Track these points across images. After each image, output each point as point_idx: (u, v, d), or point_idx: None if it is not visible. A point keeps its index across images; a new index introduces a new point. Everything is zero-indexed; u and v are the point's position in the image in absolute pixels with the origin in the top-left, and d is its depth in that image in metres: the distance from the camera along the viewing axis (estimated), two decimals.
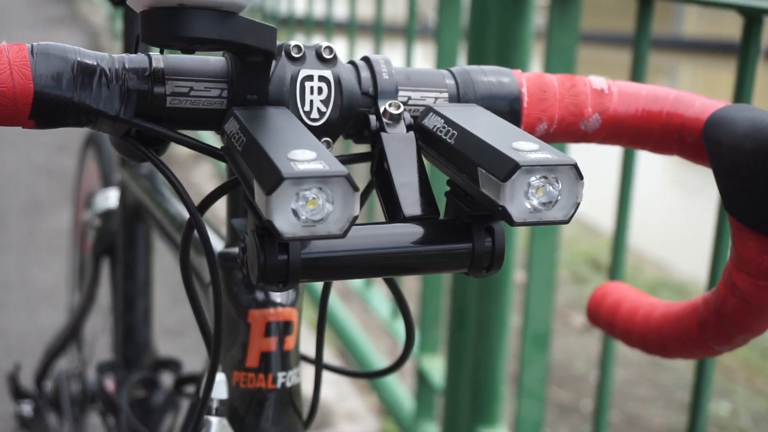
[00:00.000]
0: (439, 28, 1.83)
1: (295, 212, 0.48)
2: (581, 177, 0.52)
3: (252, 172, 0.50)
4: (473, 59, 1.61)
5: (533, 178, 0.52)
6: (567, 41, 1.41)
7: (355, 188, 0.48)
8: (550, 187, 0.52)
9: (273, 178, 0.47)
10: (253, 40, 0.55)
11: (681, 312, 0.72)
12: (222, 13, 0.52)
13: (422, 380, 1.96)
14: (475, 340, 1.67)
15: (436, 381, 1.90)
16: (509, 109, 0.66)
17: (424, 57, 3.79)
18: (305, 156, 0.49)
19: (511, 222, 0.52)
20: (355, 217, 0.49)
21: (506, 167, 0.51)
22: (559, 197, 0.52)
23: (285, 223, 0.48)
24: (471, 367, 1.69)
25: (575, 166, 0.52)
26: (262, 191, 0.48)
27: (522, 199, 0.52)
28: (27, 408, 1.59)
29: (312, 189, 0.48)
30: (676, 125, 0.67)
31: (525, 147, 0.53)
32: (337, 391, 2.37)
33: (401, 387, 2.17)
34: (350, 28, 2.43)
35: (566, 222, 0.53)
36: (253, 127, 0.54)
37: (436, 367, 1.93)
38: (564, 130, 0.68)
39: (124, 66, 0.58)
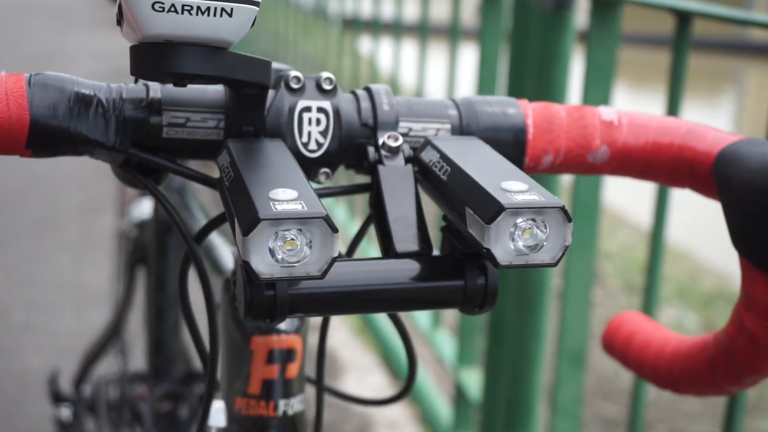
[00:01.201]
0: (481, 31, 1.82)
1: (272, 253, 0.48)
2: (569, 219, 0.51)
3: (234, 210, 0.50)
4: (513, 71, 1.60)
5: (520, 220, 0.51)
6: (606, 55, 1.39)
7: (334, 229, 0.48)
8: (537, 230, 0.51)
9: (250, 219, 0.47)
10: (244, 74, 0.54)
11: (692, 349, 0.70)
12: (211, 49, 0.52)
13: (460, 392, 1.95)
14: (511, 354, 1.65)
15: (473, 393, 1.88)
16: (514, 140, 0.65)
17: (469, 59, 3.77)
18: (286, 195, 0.49)
19: (496, 265, 0.51)
20: (335, 258, 0.49)
21: (491, 209, 0.50)
22: (546, 240, 0.51)
23: (262, 264, 0.48)
24: (507, 381, 1.68)
25: (563, 209, 0.51)
26: (240, 231, 0.48)
27: (507, 242, 0.51)
28: (66, 412, 1.61)
29: (291, 230, 0.48)
30: (687, 158, 0.66)
31: (514, 187, 0.52)
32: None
33: (440, 397, 2.16)
34: (421, 30, 2.42)
35: (554, 265, 0.52)
36: (242, 162, 0.54)
37: (474, 379, 1.92)
38: (571, 162, 0.67)
39: (121, 96, 0.59)
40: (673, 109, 1.23)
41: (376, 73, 2.52)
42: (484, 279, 0.56)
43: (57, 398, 1.63)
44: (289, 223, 0.47)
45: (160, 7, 0.49)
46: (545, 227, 0.51)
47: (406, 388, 0.72)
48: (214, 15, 0.50)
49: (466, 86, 2.11)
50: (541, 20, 1.49)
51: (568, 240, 0.51)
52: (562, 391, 1.55)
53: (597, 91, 1.40)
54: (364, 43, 2.98)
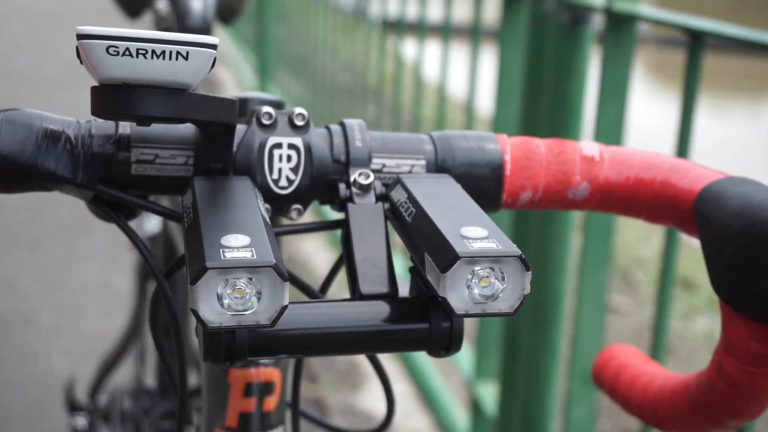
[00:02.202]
0: (501, 44, 1.80)
1: (221, 300, 0.47)
2: (528, 268, 0.50)
3: (187, 255, 0.50)
4: (529, 85, 1.59)
5: (477, 268, 0.50)
6: (620, 74, 1.37)
7: (284, 278, 0.47)
8: (494, 279, 0.50)
9: (198, 267, 0.47)
10: (207, 115, 0.54)
11: (675, 388, 0.69)
12: (169, 91, 0.51)
13: (476, 406, 1.93)
14: (526, 370, 1.64)
15: (489, 408, 1.87)
16: (491, 176, 0.64)
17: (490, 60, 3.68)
18: (238, 242, 0.48)
19: (452, 313, 0.50)
20: (285, 307, 0.48)
21: (447, 257, 0.49)
22: (503, 290, 0.50)
23: (210, 312, 0.47)
24: (522, 397, 1.66)
25: (520, 258, 0.50)
26: (188, 278, 0.47)
27: (463, 290, 0.50)
28: (81, 421, 1.63)
29: (241, 278, 0.47)
30: (668, 195, 0.64)
31: (473, 234, 0.51)
32: (402, 409, 2.36)
33: (459, 409, 2.14)
34: (473, 34, 2.40)
35: (512, 314, 0.51)
36: (203, 202, 0.54)
37: (490, 393, 1.90)
38: (550, 198, 0.65)
39: (90, 132, 0.59)
40: (685, 126, 1.21)
41: (419, 79, 2.44)
42: (449, 322, 0.55)
43: (73, 407, 1.65)
44: (238, 271, 0.47)
45: (114, 51, 0.49)
46: (503, 276, 0.50)
47: (384, 425, 0.71)
48: (170, 59, 0.49)
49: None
50: (558, 35, 1.47)
51: (527, 289, 0.50)
52: (575, 408, 1.53)
53: (611, 107, 1.38)
54: (408, 47, 2.85)
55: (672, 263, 1.27)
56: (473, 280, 0.50)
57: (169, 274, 0.61)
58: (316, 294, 0.63)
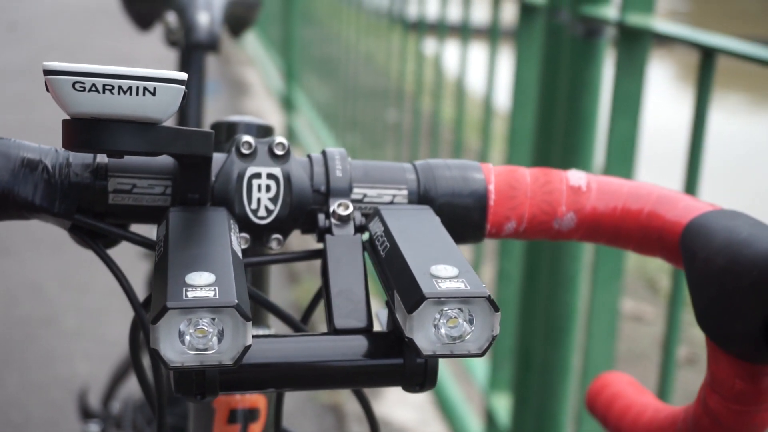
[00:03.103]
0: (517, 56, 1.79)
1: (182, 338, 0.47)
2: (496, 309, 0.49)
3: (153, 292, 0.49)
4: (544, 98, 1.57)
5: (445, 308, 0.49)
6: (633, 87, 1.35)
7: (246, 318, 0.47)
8: (462, 320, 0.49)
9: (159, 305, 0.46)
10: (180, 148, 0.53)
11: (664, 421, 0.68)
12: (139, 125, 0.51)
13: (490, 417, 1.92)
14: (539, 383, 1.63)
15: (502, 419, 1.86)
16: (474, 206, 0.63)
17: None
18: (202, 280, 0.48)
19: (419, 354, 0.49)
20: (247, 347, 0.48)
21: (413, 298, 0.49)
22: (472, 331, 0.49)
23: (171, 352, 0.47)
24: (535, 410, 1.65)
25: (488, 298, 0.49)
26: (150, 316, 0.47)
27: (430, 331, 0.49)
28: (94, 428, 1.64)
29: (204, 318, 0.47)
30: (656, 227, 0.63)
31: (443, 273, 0.50)
32: (419, 416, 2.35)
33: (474, 418, 2.13)
34: (492, 34, 2.39)
35: (480, 355, 0.50)
36: (174, 236, 0.53)
37: (504, 404, 1.89)
38: (535, 229, 0.65)
39: (68, 161, 0.59)
40: (696, 144, 1.20)
41: (440, 77, 2.43)
42: (423, 359, 0.55)
43: (86, 414, 1.66)
44: (200, 311, 0.47)
45: (80, 86, 0.48)
46: (470, 318, 0.49)
47: None
48: (137, 94, 0.49)
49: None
50: (572, 47, 1.46)
51: (496, 330, 0.50)
52: (587, 423, 1.52)
53: (624, 122, 1.37)
54: (429, 46, 2.83)
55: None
56: (441, 320, 0.49)
57: (147, 303, 0.60)
58: (297, 325, 0.63)
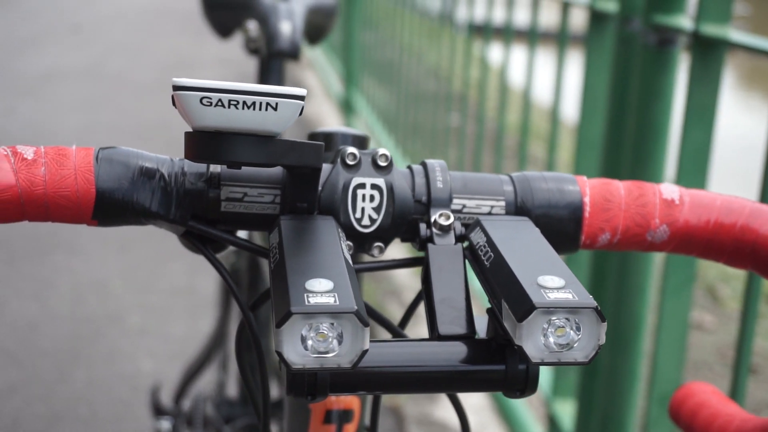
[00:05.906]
0: (586, 64, 1.79)
1: (304, 343, 0.49)
2: (603, 319, 0.51)
3: (273, 296, 0.52)
4: (614, 107, 1.58)
5: (554, 318, 0.51)
6: (708, 98, 1.36)
7: (365, 324, 0.49)
8: (569, 329, 0.51)
9: (283, 311, 0.49)
10: (294, 159, 0.56)
11: (753, 430, 0.68)
12: (259, 138, 0.54)
13: (553, 423, 1.93)
14: (605, 391, 1.63)
15: (566, 425, 1.87)
16: (570, 217, 0.65)
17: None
18: (321, 287, 0.50)
19: (529, 361, 0.51)
20: (365, 351, 0.50)
21: (523, 307, 0.50)
22: (578, 340, 0.51)
23: (294, 355, 0.49)
24: (600, 418, 1.65)
25: (596, 309, 0.51)
26: (274, 321, 0.49)
27: (539, 339, 0.51)
28: (166, 425, 1.67)
29: (324, 323, 0.49)
30: (749, 241, 0.64)
31: (550, 283, 0.52)
32: (478, 419, 2.36)
33: (534, 424, 2.14)
34: (531, 35, 2.40)
35: (586, 364, 0.52)
36: (288, 243, 0.56)
37: (567, 411, 1.90)
38: (629, 241, 0.66)
39: (183, 170, 0.61)
40: None
41: (505, 84, 2.42)
42: (525, 365, 0.56)
43: (158, 411, 1.70)
44: (321, 316, 0.49)
45: (207, 102, 0.51)
46: (578, 326, 0.51)
47: None
48: (260, 109, 0.52)
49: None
50: (644, 56, 1.46)
51: (602, 339, 0.51)
52: None
53: (697, 134, 1.37)
54: (494, 52, 2.77)
55: (758, 279, 1.25)
56: (549, 330, 0.51)
57: (254, 307, 0.63)
58: (397, 331, 0.65)
